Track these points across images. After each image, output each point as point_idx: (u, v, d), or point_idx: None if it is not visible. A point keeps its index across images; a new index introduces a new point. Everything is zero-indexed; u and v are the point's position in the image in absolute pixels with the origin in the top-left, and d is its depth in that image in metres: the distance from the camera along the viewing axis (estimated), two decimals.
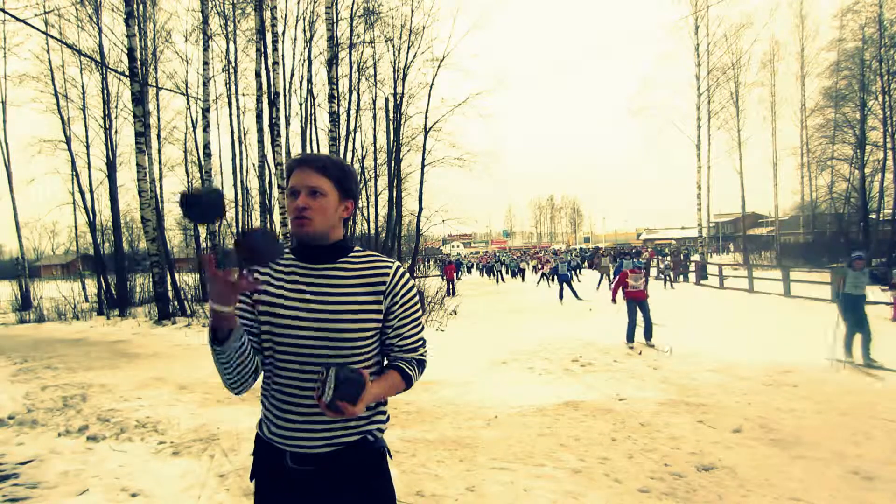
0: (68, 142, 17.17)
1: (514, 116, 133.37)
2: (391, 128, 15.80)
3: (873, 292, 8.58)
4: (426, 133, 15.70)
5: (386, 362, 1.34)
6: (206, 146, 14.63)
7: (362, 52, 16.00)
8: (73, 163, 17.33)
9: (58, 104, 17.03)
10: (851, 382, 5.31)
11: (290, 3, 28.11)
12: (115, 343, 9.80)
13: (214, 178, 15.59)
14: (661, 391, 5.22)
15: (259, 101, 13.17)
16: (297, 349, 1.22)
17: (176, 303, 13.92)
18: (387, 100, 16.07)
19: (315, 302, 1.23)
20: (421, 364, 1.35)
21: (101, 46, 16.14)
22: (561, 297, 14.28)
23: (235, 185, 17.15)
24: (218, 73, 16.67)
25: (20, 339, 11.00)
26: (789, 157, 25.36)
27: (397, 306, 1.28)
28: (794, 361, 6.14)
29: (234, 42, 16.52)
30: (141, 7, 15.53)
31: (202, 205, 1.06)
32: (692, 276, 19.54)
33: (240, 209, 16.81)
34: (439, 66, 15.37)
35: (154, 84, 16.40)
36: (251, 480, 1.32)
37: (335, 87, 12.66)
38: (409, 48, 15.54)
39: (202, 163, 14.95)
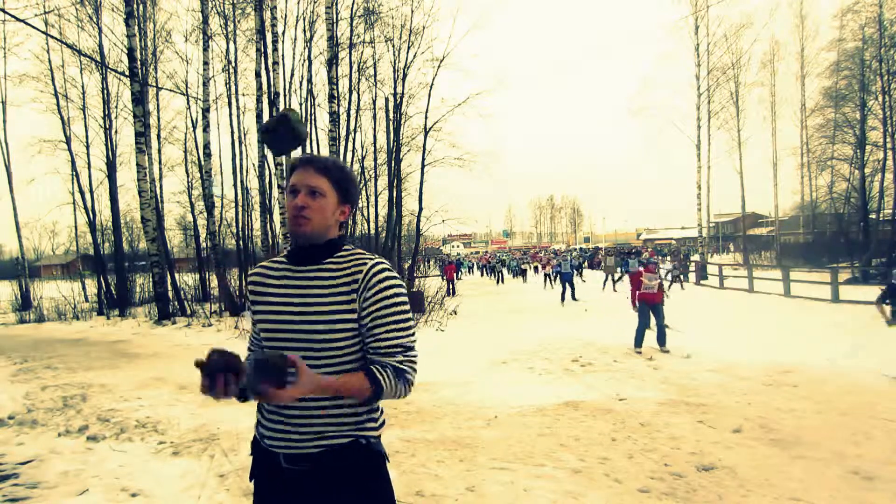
0: (68, 142, 17.20)
1: (514, 116, 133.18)
2: (391, 128, 15.77)
3: None
4: (426, 133, 15.67)
5: None
6: (206, 146, 14.63)
7: (362, 52, 15.98)
8: (73, 163, 17.36)
9: (58, 104, 17.05)
10: (851, 382, 5.31)
11: (290, 3, 28.08)
12: (115, 343, 9.81)
13: (214, 178, 15.58)
14: (661, 391, 5.22)
15: (259, 101, 13.15)
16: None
17: (176, 303, 13.94)
18: (387, 100, 16.05)
19: (297, 304, 1.23)
20: (399, 372, 1.21)
21: (101, 46, 16.16)
22: (563, 298, 14.23)
23: (235, 185, 17.14)
24: (218, 73, 16.65)
25: (20, 339, 11.01)
26: (789, 157, 25.42)
27: (370, 304, 1.21)
28: (794, 361, 6.15)
29: (234, 42, 16.50)
30: (141, 7, 15.53)
31: (279, 136, 1.06)
32: (692, 276, 19.57)
33: (240, 209, 16.80)
34: (439, 66, 15.34)
35: (154, 84, 16.39)
36: (250, 481, 1.32)
37: (335, 87, 12.65)
38: (409, 48, 15.51)
39: (202, 163, 14.95)
